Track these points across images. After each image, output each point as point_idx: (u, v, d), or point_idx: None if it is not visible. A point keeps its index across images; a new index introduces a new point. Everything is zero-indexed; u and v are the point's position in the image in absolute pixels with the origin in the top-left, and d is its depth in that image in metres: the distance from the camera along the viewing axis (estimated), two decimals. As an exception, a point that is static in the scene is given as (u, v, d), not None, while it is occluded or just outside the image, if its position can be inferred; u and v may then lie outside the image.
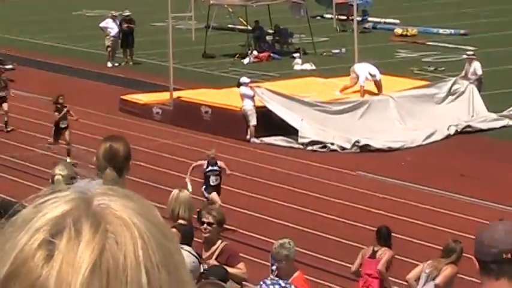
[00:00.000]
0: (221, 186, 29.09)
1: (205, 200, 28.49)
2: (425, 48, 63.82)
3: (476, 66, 48.14)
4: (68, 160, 33.12)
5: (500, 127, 45.35)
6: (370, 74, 46.44)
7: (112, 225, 2.10)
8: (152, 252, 2.18)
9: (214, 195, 28.23)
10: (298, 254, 21.08)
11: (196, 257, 16.09)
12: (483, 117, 45.82)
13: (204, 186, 28.29)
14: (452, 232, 28.06)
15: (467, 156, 41.72)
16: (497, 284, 7.22)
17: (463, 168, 39.53)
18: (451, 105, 45.85)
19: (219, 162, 28.60)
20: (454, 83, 46.70)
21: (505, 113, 46.05)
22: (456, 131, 44.46)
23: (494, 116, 46.02)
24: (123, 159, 12.71)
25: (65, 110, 35.88)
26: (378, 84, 46.85)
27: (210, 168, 28.28)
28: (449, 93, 46.04)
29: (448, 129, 44.36)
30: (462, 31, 67.53)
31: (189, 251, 15.69)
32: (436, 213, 33.06)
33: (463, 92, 46.11)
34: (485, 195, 35.42)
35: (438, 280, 21.81)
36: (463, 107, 45.90)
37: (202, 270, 16.53)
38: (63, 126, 35.60)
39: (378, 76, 46.83)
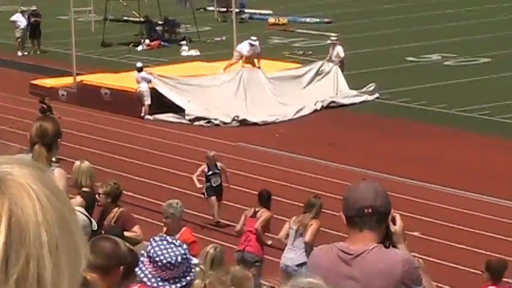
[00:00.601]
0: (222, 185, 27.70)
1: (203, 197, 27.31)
2: (295, 35, 64.36)
3: (339, 50, 48.62)
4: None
5: (360, 102, 45.78)
6: (251, 45, 47.38)
7: (11, 188, 2.11)
8: (48, 212, 2.20)
9: (213, 199, 27.05)
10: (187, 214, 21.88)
11: (87, 216, 15.66)
12: (345, 94, 46.37)
13: (205, 187, 27.09)
14: (317, 191, 27.42)
15: (332, 128, 41.76)
16: (360, 234, 7.42)
17: (329, 138, 39.45)
18: (318, 84, 46.17)
19: (218, 164, 27.24)
20: (321, 65, 47.00)
21: (363, 90, 46.61)
22: (322, 106, 44.90)
23: (354, 92, 46.62)
24: (52, 137, 12.75)
25: (52, 111, 34.33)
26: (258, 56, 47.70)
27: (211, 171, 27.05)
28: (317, 73, 46.37)
29: (315, 104, 44.70)
30: (326, 20, 67.95)
31: (80, 211, 14.98)
32: (305, 177, 32.86)
33: (328, 73, 46.53)
34: (349, 160, 35.82)
35: (307, 238, 22.11)
36: (329, 86, 46.31)
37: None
38: None
39: (258, 49, 47.87)
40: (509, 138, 38.75)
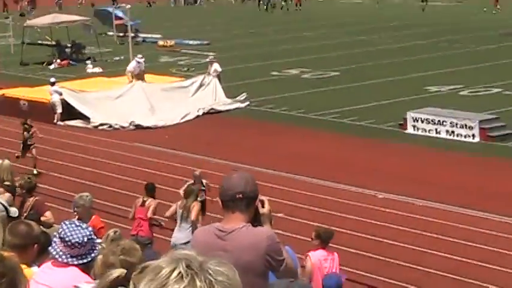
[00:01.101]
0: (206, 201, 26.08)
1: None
2: (180, 55, 64.64)
3: (216, 66, 49.05)
4: (35, 171, 31.90)
5: (234, 108, 46.20)
6: (138, 62, 49.65)
7: None
8: None
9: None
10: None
11: (3, 205, 15.60)
12: (223, 102, 46.86)
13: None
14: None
15: (212, 130, 41.85)
16: (233, 216, 7.54)
17: (209, 138, 40.14)
18: (200, 94, 46.61)
19: (203, 181, 26.35)
20: (203, 79, 47.60)
21: (237, 98, 46.96)
22: (204, 112, 45.33)
23: (230, 100, 47.04)
24: None
25: (32, 130, 33.94)
26: (143, 72, 49.76)
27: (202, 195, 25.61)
28: (200, 85, 46.93)
29: (198, 111, 45.26)
30: (206, 41, 68.78)
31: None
32: (188, 170, 31.98)
33: (208, 84, 47.05)
34: (225, 156, 35.87)
35: (192, 217, 22.69)
36: (209, 95, 46.79)
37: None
38: (30, 143, 33.54)
39: (143, 66, 50.02)
40: (354, 136, 39.56)
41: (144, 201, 24.08)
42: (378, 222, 27.96)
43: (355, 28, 75.96)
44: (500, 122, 39.49)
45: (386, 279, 23.47)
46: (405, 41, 67.32)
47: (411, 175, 32.99)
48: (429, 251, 25.29)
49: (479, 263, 24.64)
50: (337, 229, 25.12)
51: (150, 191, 24.58)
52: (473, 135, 38.37)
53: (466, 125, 38.80)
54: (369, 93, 47.93)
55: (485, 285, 22.85)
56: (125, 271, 5.90)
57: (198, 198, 24.29)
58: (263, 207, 7.69)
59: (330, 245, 18.12)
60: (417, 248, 25.18)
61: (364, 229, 27.09)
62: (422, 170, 33.84)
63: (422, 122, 40.06)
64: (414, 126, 40.12)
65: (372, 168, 33.95)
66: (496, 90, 47.89)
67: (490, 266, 24.38)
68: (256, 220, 7.67)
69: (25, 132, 32.45)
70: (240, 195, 7.51)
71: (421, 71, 53.53)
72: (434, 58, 58.72)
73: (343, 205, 29.83)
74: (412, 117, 40.43)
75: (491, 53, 59.90)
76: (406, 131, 40.26)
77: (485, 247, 25.75)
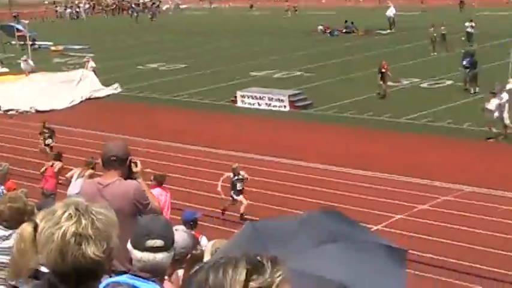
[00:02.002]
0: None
1: (231, 199, 23.69)
2: (68, 56, 63.10)
3: (91, 63, 49.40)
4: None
5: (109, 94, 45.84)
6: (25, 61, 50.80)
7: None
8: None
9: (241, 197, 23.69)
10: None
11: None
12: (100, 90, 46.31)
13: (232, 191, 23.58)
14: (96, 152, 24.06)
15: (95, 112, 41.50)
16: (109, 173, 7.70)
17: (94, 118, 39.23)
18: (81, 84, 45.73)
19: (241, 172, 23.98)
20: (82, 73, 47.30)
21: (110, 87, 46.94)
22: (85, 98, 44.85)
23: (105, 88, 46.58)
24: None
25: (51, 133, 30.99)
26: (31, 70, 50.08)
27: (236, 177, 23.59)
28: (80, 78, 46.20)
29: (81, 97, 44.68)
30: (87, 46, 66.66)
31: None
32: (88, 143, 31.55)
33: (87, 77, 46.43)
34: (108, 130, 34.63)
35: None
36: (88, 85, 45.99)
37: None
38: (48, 143, 30.48)
39: (30, 64, 50.78)
40: (200, 110, 39.76)
41: (53, 164, 24.17)
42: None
43: (197, 31, 75.94)
44: (303, 95, 40.62)
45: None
46: (235, 39, 67.78)
47: (241, 136, 33.50)
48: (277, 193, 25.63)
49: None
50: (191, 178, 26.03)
51: (57, 157, 24.99)
52: (285, 106, 39.40)
53: (279, 99, 39.85)
54: (210, 79, 48.21)
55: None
56: None
57: (237, 188, 23.66)
58: (136, 167, 7.87)
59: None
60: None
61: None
62: (249, 132, 34.41)
63: (248, 98, 40.91)
64: (242, 101, 40.92)
65: (214, 132, 34.26)
66: (299, 73, 48.78)
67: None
68: (130, 176, 7.81)
69: (46, 135, 30.24)
70: (114, 158, 7.71)
71: (246, 61, 54.14)
72: (255, 51, 59.26)
73: (188, 160, 29.90)
74: (241, 95, 41.25)
75: (293, 47, 60.70)
76: (237, 105, 40.97)
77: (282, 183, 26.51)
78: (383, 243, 4.29)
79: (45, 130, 31.53)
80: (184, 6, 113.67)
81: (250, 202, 23.53)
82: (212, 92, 44.55)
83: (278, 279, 2.51)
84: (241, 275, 2.48)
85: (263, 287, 2.52)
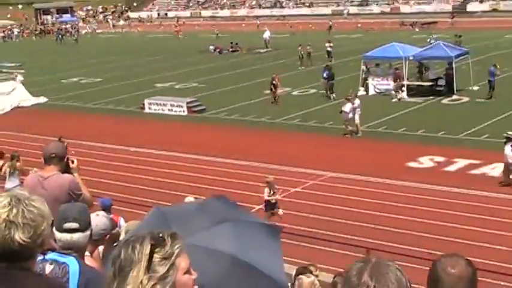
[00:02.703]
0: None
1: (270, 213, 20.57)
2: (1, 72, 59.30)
3: (19, 77, 47.72)
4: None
5: (36, 103, 44.74)
6: None
7: None
8: None
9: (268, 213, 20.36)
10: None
11: None
12: (27, 99, 45.01)
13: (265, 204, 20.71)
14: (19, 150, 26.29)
15: (27, 117, 40.09)
16: (49, 167, 7.46)
17: (25, 123, 37.88)
18: (12, 94, 44.42)
19: (275, 186, 20.93)
20: (12, 85, 45.79)
21: (37, 97, 45.74)
22: (14, 106, 43.50)
23: (32, 98, 45.40)
24: None
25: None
26: None
27: (272, 192, 20.55)
28: (12, 89, 44.99)
29: (11, 106, 43.35)
30: (18, 64, 64.88)
31: None
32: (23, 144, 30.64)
33: (16, 88, 45.28)
34: (46, 132, 33.63)
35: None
36: (18, 94, 44.78)
37: None
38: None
39: None
40: (115, 115, 39.28)
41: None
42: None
43: (111, 51, 74.64)
44: (198, 102, 40.49)
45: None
46: (142, 57, 66.76)
47: (149, 136, 33.16)
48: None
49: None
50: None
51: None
52: (184, 111, 39.27)
53: (179, 105, 39.72)
54: (122, 90, 47.70)
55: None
56: None
57: (274, 198, 20.50)
58: (73, 163, 7.70)
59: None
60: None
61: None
62: (156, 133, 34.07)
63: (153, 104, 40.56)
64: (149, 107, 40.51)
65: (126, 133, 34.05)
66: (194, 84, 48.56)
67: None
68: (67, 171, 7.61)
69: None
70: (53, 155, 7.51)
71: (152, 75, 53.55)
72: (159, 67, 58.68)
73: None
74: (148, 102, 40.91)
75: (190, 63, 60.48)
76: (144, 111, 40.57)
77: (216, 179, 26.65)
78: (262, 222, 4.37)
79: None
80: (99, 31, 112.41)
81: (157, 189, 23.52)
82: (124, 100, 44.15)
83: (177, 250, 2.59)
84: (147, 248, 2.52)
85: (165, 257, 2.58)
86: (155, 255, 2.56)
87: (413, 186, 23.79)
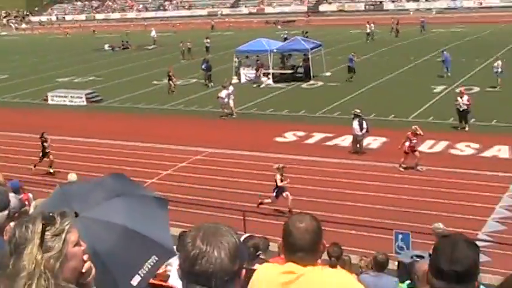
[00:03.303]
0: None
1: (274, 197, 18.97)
2: None
3: None
4: (51, 170, 23.97)
5: None
6: None
7: None
8: None
9: (288, 194, 18.75)
10: None
11: None
12: None
13: (277, 190, 18.88)
14: None
15: None
16: None
17: None
18: None
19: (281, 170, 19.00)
20: None
21: None
22: None
23: None
24: None
25: (49, 141, 24.35)
26: None
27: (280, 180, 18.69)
28: None
29: None
30: None
31: None
32: None
33: None
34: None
35: None
36: None
37: None
38: (47, 151, 24.08)
39: None
40: (38, 108, 38.01)
41: None
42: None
43: (15, 51, 71.27)
44: (96, 93, 39.51)
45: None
46: (43, 56, 64.02)
47: (53, 124, 30.91)
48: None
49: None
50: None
51: None
52: (83, 101, 38.25)
53: (79, 96, 38.75)
54: (27, 84, 45.59)
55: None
56: None
57: (283, 183, 18.72)
58: None
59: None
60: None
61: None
62: (58, 121, 32.82)
63: (56, 97, 39.26)
64: (52, 99, 39.17)
65: (31, 123, 31.77)
66: (92, 78, 47.34)
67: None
68: None
69: (45, 143, 24.38)
70: None
71: (54, 71, 51.71)
72: (60, 64, 56.47)
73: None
74: (50, 95, 39.55)
75: (87, 60, 58.86)
76: (48, 102, 39.11)
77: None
78: (152, 195, 4.28)
79: (43, 138, 25.78)
80: (3, 33, 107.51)
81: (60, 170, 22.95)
82: (29, 94, 42.37)
83: (66, 226, 2.53)
84: (39, 227, 2.46)
85: (56, 234, 2.52)
86: (47, 233, 2.49)
87: (280, 157, 24.06)
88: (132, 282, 3.44)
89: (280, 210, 18.60)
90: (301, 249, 3.23)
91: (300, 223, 3.28)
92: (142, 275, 3.50)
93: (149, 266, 3.55)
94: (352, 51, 42.39)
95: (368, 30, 59.74)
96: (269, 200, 18.77)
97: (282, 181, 18.81)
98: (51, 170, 23.99)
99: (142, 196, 4.12)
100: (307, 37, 51.69)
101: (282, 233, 3.34)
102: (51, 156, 24.30)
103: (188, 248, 2.34)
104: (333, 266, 8.51)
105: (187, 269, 2.36)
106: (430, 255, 3.11)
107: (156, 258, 3.61)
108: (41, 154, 24.26)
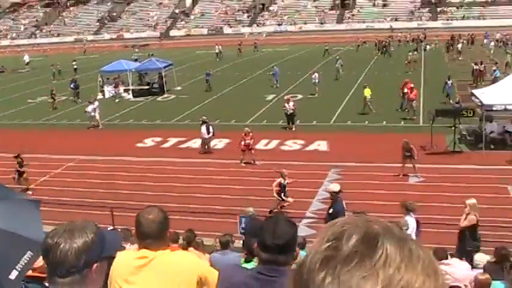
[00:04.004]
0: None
1: (280, 199, 17.50)
2: None
3: None
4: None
5: None
6: None
7: None
8: None
9: (290, 198, 17.48)
10: None
11: None
12: None
13: (282, 193, 17.40)
14: None
15: None
16: None
17: None
18: None
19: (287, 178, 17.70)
20: None
21: None
22: None
23: None
24: None
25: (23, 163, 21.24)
26: None
27: (286, 182, 17.52)
28: None
29: None
30: None
31: None
32: None
33: None
34: None
35: None
36: None
37: None
38: (23, 170, 21.14)
39: None
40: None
41: None
42: None
43: None
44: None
45: None
46: None
47: None
48: None
49: None
50: None
51: None
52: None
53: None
54: None
55: None
56: None
57: (285, 182, 17.48)
58: None
59: None
60: None
61: None
62: None
63: None
64: None
65: None
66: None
67: None
68: None
69: (18, 164, 21.35)
70: None
71: None
72: None
73: None
74: None
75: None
76: None
77: None
78: (25, 198, 4.15)
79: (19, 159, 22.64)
80: None
81: None
82: None
83: None
84: None
85: None
86: None
87: (140, 160, 23.83)
88: (10, 276, 3.30)
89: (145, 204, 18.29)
90: (150, 236, 3.25)
91: (148, 215, 3.30)
92: (19, 269, 3.36)
93: (25, 261, 3.42)
94: (198, 69, 42.77)
95: (217, 50, 60.30)
96: (290, 200, 17.58)
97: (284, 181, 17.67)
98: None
99: (15, 200, 3.94)
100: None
101: (135, 223, 3.35)
102: (25, 175, 21.71)
103: (48, 243, 2.20)
104: (184, 248, 8.48)
105: (44, 258, 2.24)
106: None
107: (32, 254, 3.46)
108: (17, 174, 21.63)
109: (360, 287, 0.84)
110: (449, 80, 31.55)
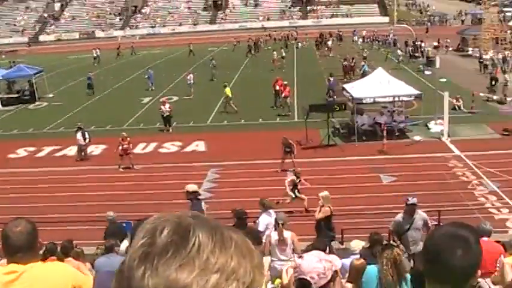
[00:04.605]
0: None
1: (293, 196, 16.47)
2: None
3: None
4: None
5: None
6: None
7: None
8: None
9: (303, 195, 16.19)
10: None
11: None
12: None
13: (296, 190, 16.30)
14: None
15: None
16: None
17: None
18: None
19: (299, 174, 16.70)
20: None
21: None
22: None
23: None
24: None
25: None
26: None
27: (299, 180, 16.48)
28: None
29: None
30: None
31: None
32: None
33: None
34: None
35: None
36: None
37: None
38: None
39: None
40: None
41: None
42: None
43: None
44: None
45: None
46: None
47: None
48: None
49: None
50: None
51: None
52: None
53: None
54: None
55: None
56: None
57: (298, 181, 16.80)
58: None
59: None
60: None
61: None
62: None
63: None
64: None
65: None
66: None
67: None
68: None
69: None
70: None
71: None
72: None
73: None
74: None
75: None
76: None
77: None
78: None
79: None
80: None
81: None
82: None
83: None
84: None
85: None
86: None
87: (14, 171, 22.65)
88: None
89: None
90: (20, 249, 3.09)
91: (15, 227, 3.13)
92: None
93: None
94: (72, 74, 41.26)
95: (95, 54, 58.23)
96: (305, 198, 16.58)
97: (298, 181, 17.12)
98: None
99: None
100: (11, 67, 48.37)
101: (1, 238, 3.15)
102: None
103: None
104: (61, 259, 8.29)
105: None
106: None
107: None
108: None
109: (178, 276, 0.88)
110: (331, 76, 32.44)
